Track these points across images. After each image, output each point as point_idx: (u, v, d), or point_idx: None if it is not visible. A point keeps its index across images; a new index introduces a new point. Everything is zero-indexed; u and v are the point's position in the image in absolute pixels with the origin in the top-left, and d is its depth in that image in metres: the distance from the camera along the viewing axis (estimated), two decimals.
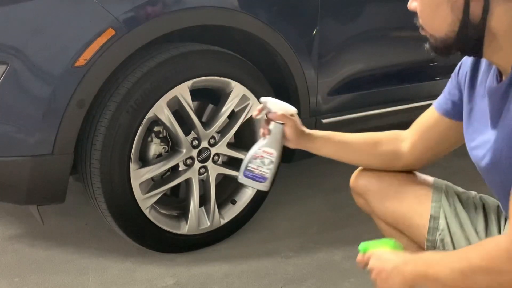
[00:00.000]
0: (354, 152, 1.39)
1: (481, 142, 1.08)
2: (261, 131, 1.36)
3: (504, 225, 1.24)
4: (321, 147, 1.38)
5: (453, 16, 0.95)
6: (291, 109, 1.36)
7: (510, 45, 0.95)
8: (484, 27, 0.94)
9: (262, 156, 1.35)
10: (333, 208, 2.33)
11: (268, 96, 1.44)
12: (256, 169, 1.35)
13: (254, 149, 1.35)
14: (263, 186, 1.37)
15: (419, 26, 1.04)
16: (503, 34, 0.94)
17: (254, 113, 1.39)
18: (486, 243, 0.95)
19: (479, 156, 1.08)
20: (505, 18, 0.93)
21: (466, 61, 1.18)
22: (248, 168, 1.36)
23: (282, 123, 1.34)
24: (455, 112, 1.23)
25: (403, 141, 1.37)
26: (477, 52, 0.99)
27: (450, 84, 1.24)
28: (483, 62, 1.10)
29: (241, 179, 1.38)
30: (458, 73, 1.21)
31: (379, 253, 1.13)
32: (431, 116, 1.31)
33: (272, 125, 1.35)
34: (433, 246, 1.28)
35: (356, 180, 1.44)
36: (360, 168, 1.45)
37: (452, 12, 0.95)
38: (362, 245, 1.20)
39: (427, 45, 1.04)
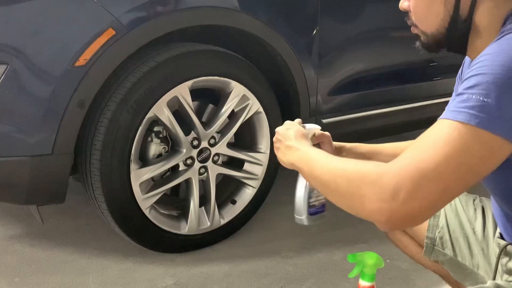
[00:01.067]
0: (385, 159, 1.37)
1: None
2: None
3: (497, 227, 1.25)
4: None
5: (445, 11, 0.99)
6: (318, 128, 1.29)
7: (489, 42, 0.97)
8: (471, 23, 0.98)
9: None
10: (333, 208, 2.32)
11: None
12: (316, 200, 1.26)
13: (306, 183, 1.22)
14: (324, 214, 1.28)
15: (411, 25, 1.07)
16: (484, 31, 0.98)
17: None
18: (370, 164, 0.91)
19: None
20: (487, 16, 0.96)
21: (466, 61, 1.19)
22: (310, 204, 1.25)
23: (318, 144, 1.28)
24: None
25: None
26: (462, 48, 1.03)
27: (456, 85, 1.26)
28: None
29: (308, 220, 1.25)
30: (461, 73, 1.23)
31: (287, 127, 1.20)
32: None
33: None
34: (432, 244, 1.29)
35: None
36: None
37: (445, 7, 0.99)
38: (350, 256, 1.23)
39: (417, 43, 1.08)
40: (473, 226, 1.26)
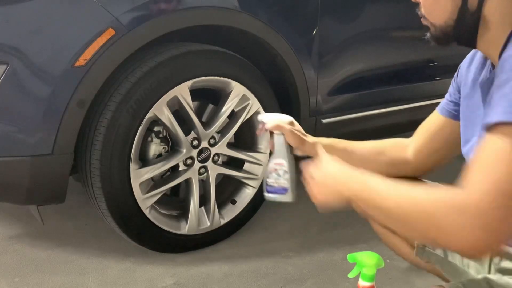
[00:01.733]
0: (359, 160, 1.39)
1: (474, 139, 1.09)
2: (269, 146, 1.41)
3: None
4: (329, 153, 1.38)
5: (453, 4, 0.99)
6: (287, 119, 1.39)
7: (500, 35, 0.97)
8: (480, 15, 0.97)
9: (276, 169, 1.38)
10: None
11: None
12: (275, 182, 1.38)
13: (268, 165, 1.39)
14: (288, 197, 1.38)
15: (421, 16, 1.07)
16: (495, 25, 0.97)
17: (257, 131, 1.47)
18: (442, 191, 0.88)
19: (471, 153, 1.08)
20: (497, 8, 0.96)
21: (463, 64, 1.20)
22: (268, 183, 1.40)
23: (282, 134, 1.37)
24: (458, 113, 1.25)
25: (407, 146, 1.38)
26: (472, 41, 1.02)
27: (451, 87, 1.27)
28: (478, 60, 1.13)
29: (267, 196, 1.41)
30: (457, 76, 1.23)
31: (321, 164, 1.10)
32: (435, 119, 1.33)
33: (274, 137, 1.39)
34: (423, 245, 1.30)
35: None
36: None
37: (453, 0, 0.98)
38: (350, 256, 1.24)
39: (428, 35, 1.07)
40: None
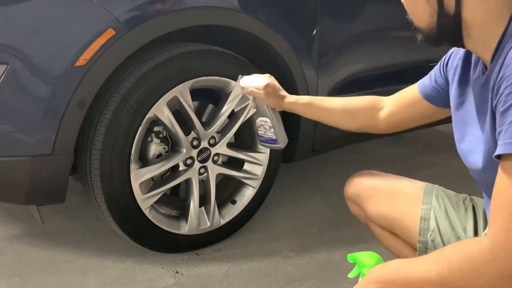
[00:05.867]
0: (334, 118, 1.51)
1: (469, 138, 1.10)
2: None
3: None
4: (304, 112, 1.54)
5: (430, 8, 0.98)
6: (262, 81, 1.51)
7: (485, 36, 0.95)
8: (460, 18, 0.96)
9: (262, 125, 1.58)
10: (333, 208, 2.33)
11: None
12: (264, 134, 1.59)
13: (256, 120, 1.61)
14: (278, 146, 1.59)
15: (410, 21, 1.07)
16: (477, 26, 0.96)
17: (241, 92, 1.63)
18: (467, 244, 0.92)
19: (467, 152, 1.10)
20: (478, 10, 0.94)
21: (458, 52, 1.19)
22: (259, 135, 1.61)
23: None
24: (436, 99, 1.29)
25: (382, 108, 1.45)
26: (458, 42, 1.02)
27: (437, 71, 1.27)
28: (473, 58, 1.11)
29: (260, 144, 1.65)
30: (447, 63, 1.22)
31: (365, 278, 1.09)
32: (413, 94, 1.37)
33: (254, 98, 1.57)
34: (425, 247, 1.29)
35: (349, 187, 1.48)
36: (352, 176, 1.50)
37: (428, 3, 0.98)
38: (350, 256, 1.24)
39: (419, 37, 1.06)
40: (464, 226, 1.27)
